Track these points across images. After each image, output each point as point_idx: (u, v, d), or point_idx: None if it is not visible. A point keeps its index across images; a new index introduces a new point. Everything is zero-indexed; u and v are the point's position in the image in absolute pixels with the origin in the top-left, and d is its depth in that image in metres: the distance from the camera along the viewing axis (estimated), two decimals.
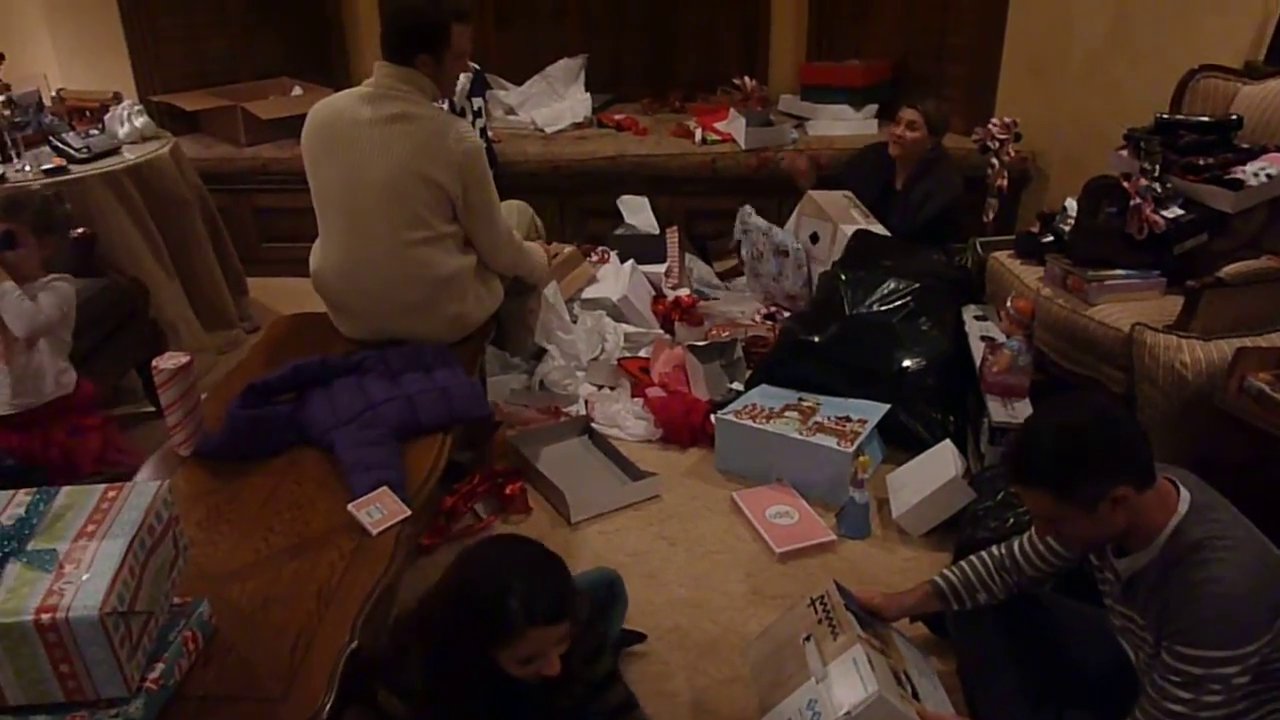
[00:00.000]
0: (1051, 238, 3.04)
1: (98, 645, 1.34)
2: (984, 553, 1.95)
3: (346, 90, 2.65)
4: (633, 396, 3.28)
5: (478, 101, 4.04)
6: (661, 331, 3.65)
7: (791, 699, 1.71)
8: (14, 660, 1.34)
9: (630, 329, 3.63)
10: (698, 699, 2.14)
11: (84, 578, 1.36)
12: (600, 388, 3.37)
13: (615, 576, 2.14)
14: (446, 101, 3.79)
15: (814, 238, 3.83)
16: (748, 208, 4.08)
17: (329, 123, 2.57)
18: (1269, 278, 2.56)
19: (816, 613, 1.84)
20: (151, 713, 1.43)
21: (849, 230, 3.65)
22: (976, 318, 3.17)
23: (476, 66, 4.13)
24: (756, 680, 1.83)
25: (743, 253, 3.93)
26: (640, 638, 2.26)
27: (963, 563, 1.96)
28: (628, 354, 3.51)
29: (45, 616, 1.32)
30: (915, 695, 1.72)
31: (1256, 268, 2.57)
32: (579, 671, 1.67)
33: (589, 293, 3.73)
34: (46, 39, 4.40)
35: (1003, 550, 1.93)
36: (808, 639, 1.80)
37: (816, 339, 3.13)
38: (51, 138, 3.48)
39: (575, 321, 3.54)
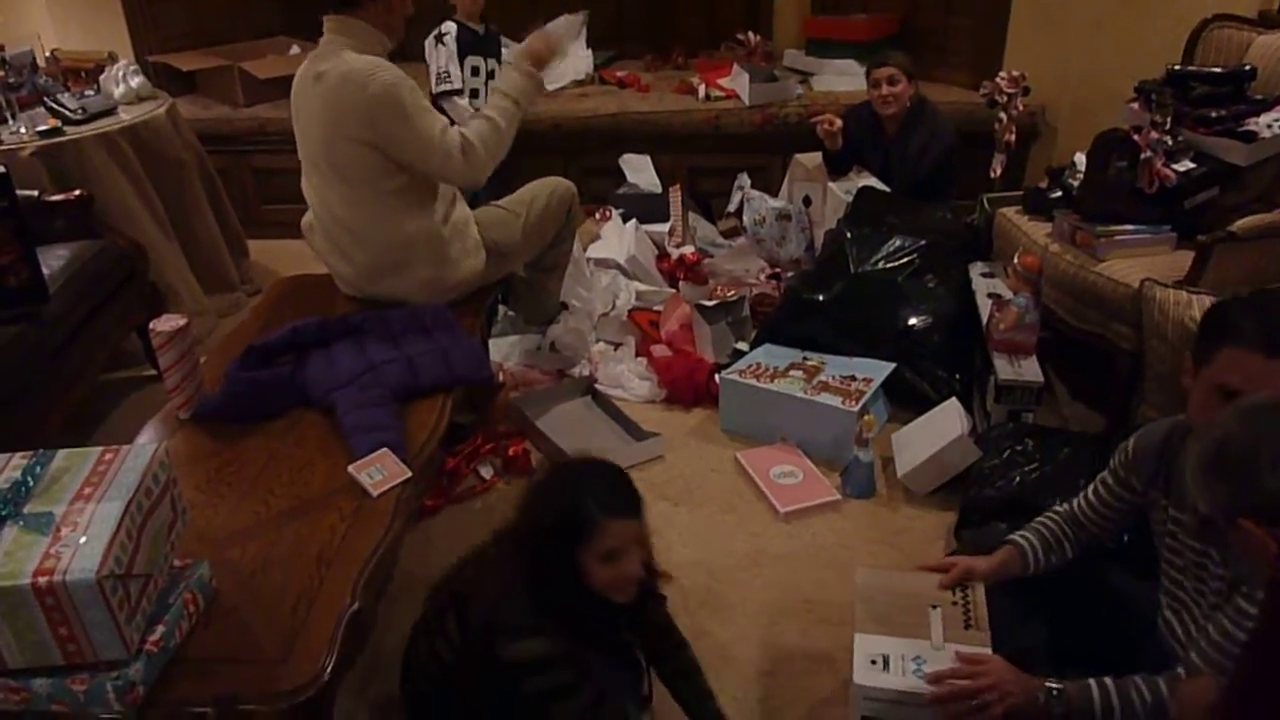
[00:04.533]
0: (1060, 193, 3.00)
1: (96, 608, 1.33)
2: (1047, 515, 1.93)
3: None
4: (637, 356, 3.26)
5: (491, 63, 3.99)
6: (674, 291, 3.62)
7: (899, 642, 1.73)
8: (13, 624, 1.33)
9: (642, 287, 3.62)
10: (701, 658, 2.13)
11: (81, 540, 1.35)
12: (607, 344, 3.35)
13: None
14: (440, 52, 3.80)
15: (806, 201, 3.81)
16: (744, 176, 4.04)
17: (294, 88, 2.61)
18: None
19: (954, 595, 1.85)
20: (152, 675, 1.43)
21: (838, 190, 3.62)
22: (983, 275, 3.14)
23: (494, 28, 4.07)
24: (860, 601, 1.84)
25: (744, 219, 3.91)
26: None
27: (1035, 524, 1.93)
28: (640, 305, 3.50)
29: (43, 580, 1.31)
30: None
31: (1268, 221, 2.53)
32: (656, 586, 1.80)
33: (596, 253, 3.71)
34: None
35: (1060, 514, 1.91)
36: (935, 607, 1.80)
37: (821, 298, 3.10)
38: (46, 99, 3.44)
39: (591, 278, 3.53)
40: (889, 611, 1.82)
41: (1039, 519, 1.93)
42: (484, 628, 1.62)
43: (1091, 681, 1.58)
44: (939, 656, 1.71)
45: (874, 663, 1.71)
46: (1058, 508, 1.93)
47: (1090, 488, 1.87)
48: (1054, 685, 1.59)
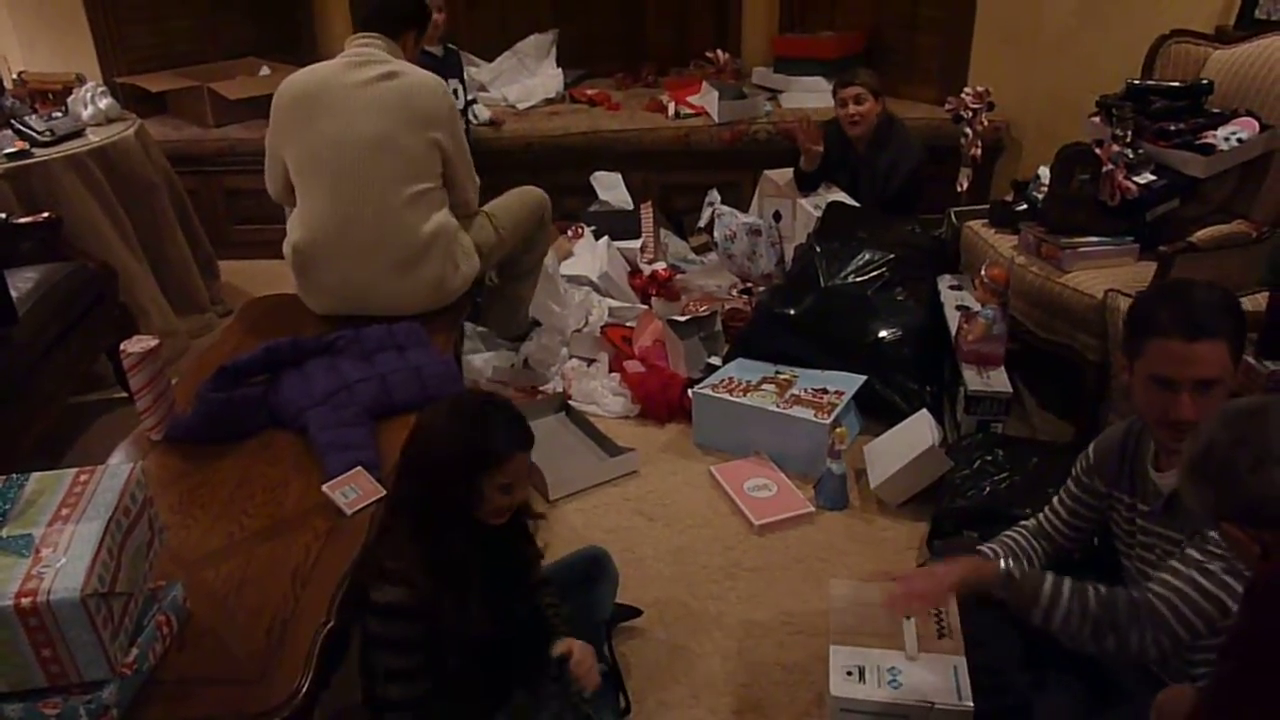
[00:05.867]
0: (1025, 206, 3.04)
1: (80, 627, 1.33)
2: (1015, 529, 1.96)
3: (323, 62, 2.74)
4: (610, 372, 3.27)
5: (454, 83, 3.99)
6: (646, 307, 3.64)
7: (874, 653, 1.75)
8: None
9: (615, 303, 3.64)
10: (676, 671, 2.15)
11: (62, 561, 1.35)
12: (580, 360, 3.36)
13: (602, 553, 2.14)
14: None
15: (777, 216, 3.84)
16: (714, 192, 4.08)
17: (312, 91, 2.64)
18: (1240, 242, 2.58)
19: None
20: (125, 698, 1.42)
21: (808, 205, 3.65)
22: (951, 287, 3.18)
23: (453, 47, 4.08)
24: (834, 613, 1.87)
25: (715, 235, 3.94)
26: (636, 613, 2.27)
27: (1002, 536, 1.96)
28: (613, 321, 3.51)
29: (25, 600, 1.30)
30: None
31: (1227, 232, 2.59)
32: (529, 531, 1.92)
33: (569, 270, 3.72)
34: (7, 20, 4.32)
35: (1031, 523, 1.95)
36: (909, 617, 1.82)
37: (792, 312, 3.13)
38: (14, 121, 3.41)
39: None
40: (863, 623, 1.83)
41: (1006, 533, 1.95)
42: (369, 579, 1.67)
43: (1048, 572, 1.62)
44: (913, 667, 1.72)
45: (849, 674, 1.72)
46: (1025, 522, 1.96)
47: (1055, 499, 1.91)
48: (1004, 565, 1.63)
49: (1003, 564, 1.63)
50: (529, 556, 1.92)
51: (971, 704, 1.64)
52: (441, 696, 1.70)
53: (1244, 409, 1.29)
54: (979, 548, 1.94)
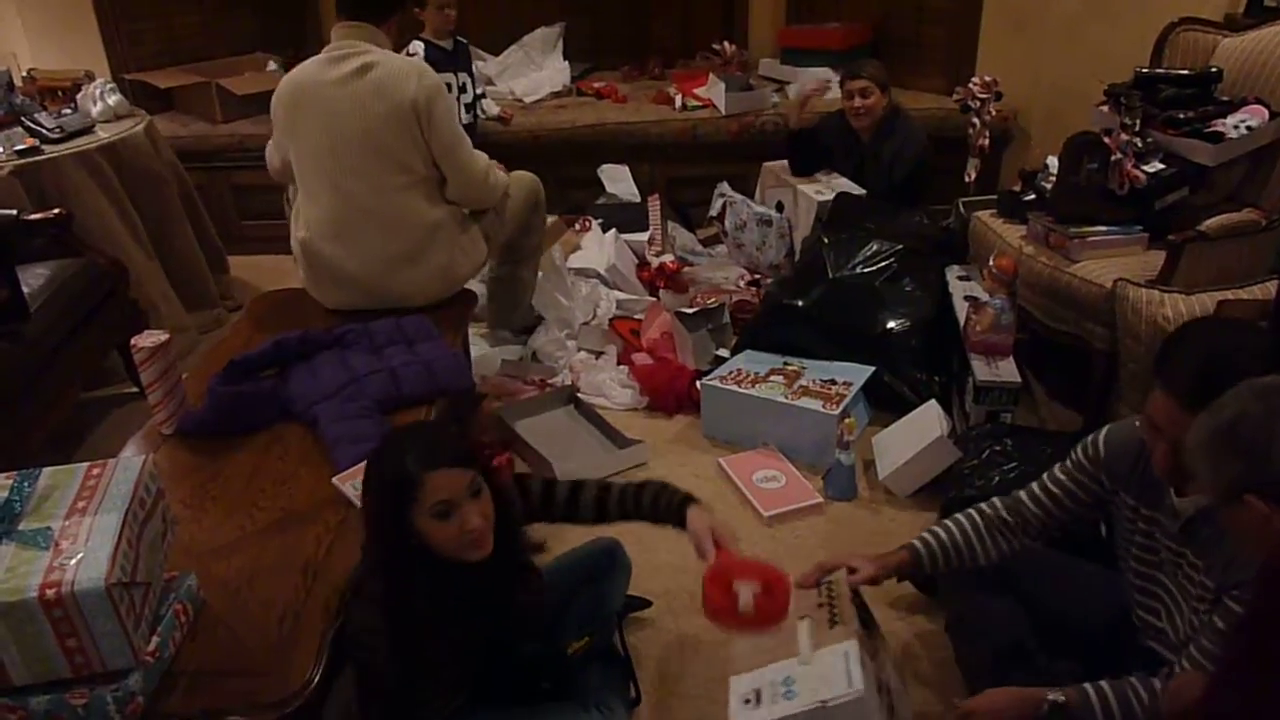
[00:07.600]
0: (1033, 196, 3.04)
1: (105, 616, 1.35)
2: (970, 512, 1.87)
3: (309, 59, 2.73)
4: (618, 364, 3.27)
5: (463, 77, 4.00)
6: (654, 299, 3.65)
7: (768, 670, 1.64)
8: (19, 639, 1.34)
9: (623, 296, 3.64)
10: (685, 662, 2.15)
11: (83, 552, 1.37)
12: (588, 353, 3.36)
13: (614, 544, 2.14)
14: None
15: (779, 206, 3.84)
16: (725, 184, 4.09)
17: (299, 93, 2.66)
18: (1249, 230, 2.57)
19: (820, 596, 1.78)
20: (150, 685, 1.44)
21: (810, 192, 3.67)
22: (960, 278, 3.17)
23: (463, 40, 4.09)
24: (738, 639, 1.77)
25: (726, 224, 3.94)
26: (646, 604, 2.28)
27: (947, 522, 1.88)
28: (621, 314, 3.53)
29: (50, 592, 1.32)
30: (891, 710, 1.65)
31: (1237, 220, 2.58)
32: (528, 563, 1.80)
33: (577, 263, 3.73)
34: (15, 18, 4.33)
35: (996, 506, 1.85)
36: (803, 619, 1.74)
37: (800, 303, 3.13)
38: (24, 118, 3.43)
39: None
40: (760, 639, 1.75)
41: (958, 515, 1.88)
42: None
43: (1088, 687, 1.58)
44: (807, 671, 1.61)
45: (747, 702, 1.61)
46: (984, 506, 1.87)
47: (1047, 477, 1.82)
48: (1053, 696, 1.58)
49: (1048, 701, 1.59)
50: (519, 597, 1.76)
51: (861, 686, 1.52)
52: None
53: (1275, 384, 1.27)
54: (914, 541, 1.87)
